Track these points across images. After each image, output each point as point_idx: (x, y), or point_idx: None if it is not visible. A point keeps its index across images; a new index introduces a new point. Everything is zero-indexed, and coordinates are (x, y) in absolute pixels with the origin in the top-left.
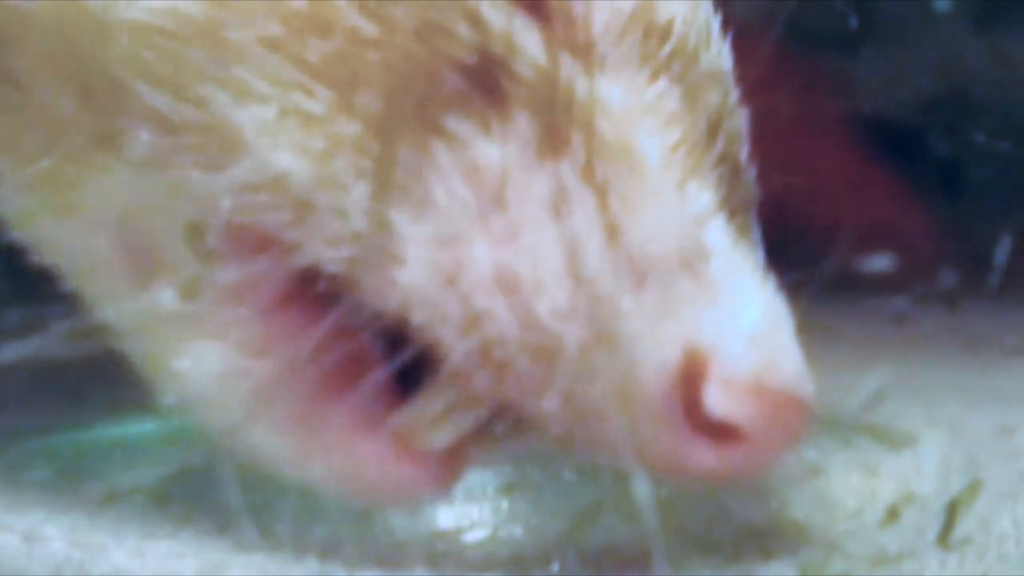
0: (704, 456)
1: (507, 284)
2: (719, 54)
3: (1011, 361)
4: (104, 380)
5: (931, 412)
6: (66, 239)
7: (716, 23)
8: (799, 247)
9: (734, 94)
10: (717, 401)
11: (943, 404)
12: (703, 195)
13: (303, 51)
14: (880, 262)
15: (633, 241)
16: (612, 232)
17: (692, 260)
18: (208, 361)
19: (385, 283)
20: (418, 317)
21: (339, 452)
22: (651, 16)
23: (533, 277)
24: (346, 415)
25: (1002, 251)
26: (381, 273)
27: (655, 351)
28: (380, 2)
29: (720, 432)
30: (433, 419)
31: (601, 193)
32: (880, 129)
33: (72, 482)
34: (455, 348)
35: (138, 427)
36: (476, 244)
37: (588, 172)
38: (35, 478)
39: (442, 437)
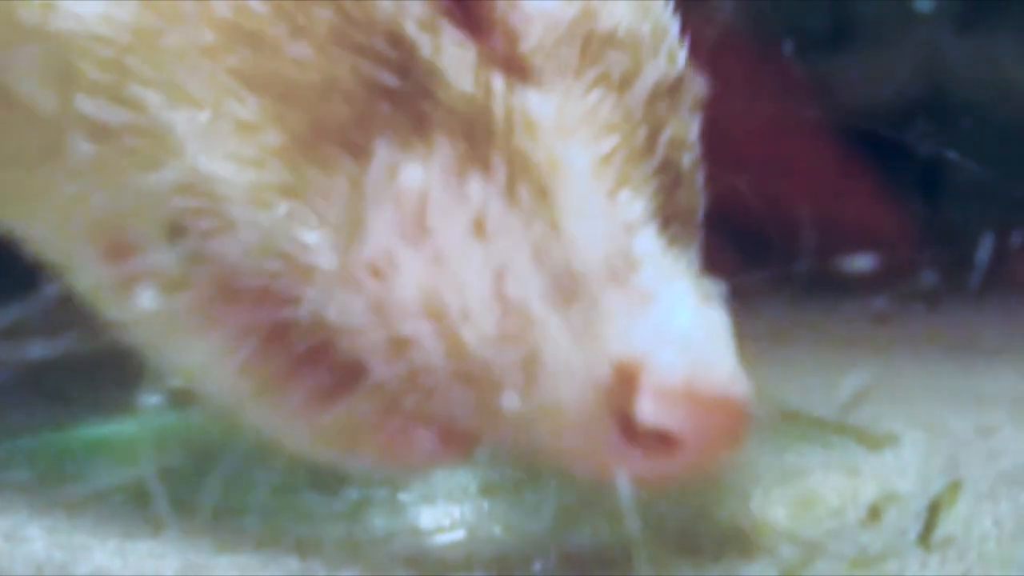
0: (639, 465)
1: (433, 311)
2: (670, 60)
3: (992, 361)
4: (85, 380)
5: (912, 412)
6: (48, 243)
7: (673, 28)
8: (780, 247)
9: (685, 100)
10: (648, 411)
11: (924, 404)
12: (635, 203)
13: (234, 59)
14: (861, 262)
15: (559, 259)
16: (538, 252)
17: (621, 270)
18: (193, 350)
19: (310, 305)
20: (344, 340)
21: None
22: (591, 25)
23: (459, 304)
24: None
25: (983, 252)
26: (305, 295)
27: (584, 367)
28: (304, 16)
29: (656, 440)
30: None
31: (526, 213)
32: (861, 129)
33: (53, 482)
34: (381, 372)
35: (119, 427)
36: (402, 270)
37: (512, 193)
38: (16, 478)
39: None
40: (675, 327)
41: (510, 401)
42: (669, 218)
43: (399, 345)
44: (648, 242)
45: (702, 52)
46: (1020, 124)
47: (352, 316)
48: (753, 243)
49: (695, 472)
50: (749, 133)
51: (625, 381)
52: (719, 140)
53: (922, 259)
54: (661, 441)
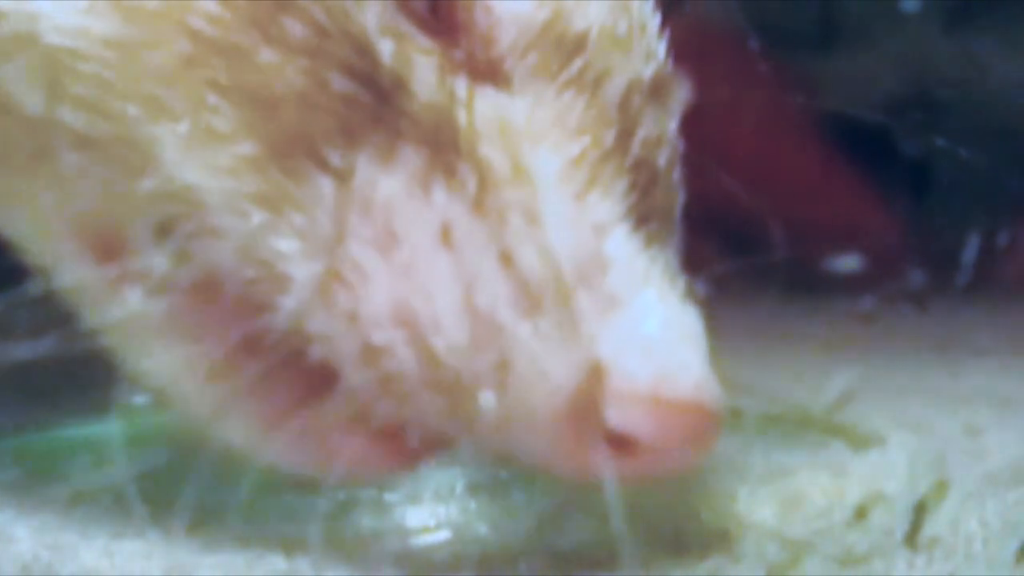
0: (607, 466)
1: (404, 320)
2: (647, 58)
3: (979, 361)
4: (72, 381)
5: (899, 412)
6: (35, 243)
7: (652, 25)
8: (767, 247)
9: (662, 97)
10: (615, 415)
11: (911, 404)
12: (605, 204)
13: (209, 71)
14: (848, 262)
15: (527, 265)
16: (506, 259)
17: (590, 273)
18: (166, 355)
19: (286, 312)
20: (317, 348)
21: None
22: (563, 27)
23: (429, 313)
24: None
25: (970, 251)
26: (283, 302)
27: (554, 372)
28: (275, 27)
29: (623, 443)
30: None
31: (493, 221)
32: (848, 129)
33: (40, 482)
34: (354, 379)
35: (106, 427)
36: (372, 280)
37: (479, 200)
38: (3, 478)
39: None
40: (643, 332)
41: (481, 406)
42: (645, 217)
43: (371, 353)
44: (619, 244)
45: (687, 50)
46: (1007, 124)
47: (325, 324)
48: (740, 243)
49: (661, 475)
50: (736, 132)
51: (593, 385)
52: (706, 139)
53: (909, 259)
54: (628, 444)
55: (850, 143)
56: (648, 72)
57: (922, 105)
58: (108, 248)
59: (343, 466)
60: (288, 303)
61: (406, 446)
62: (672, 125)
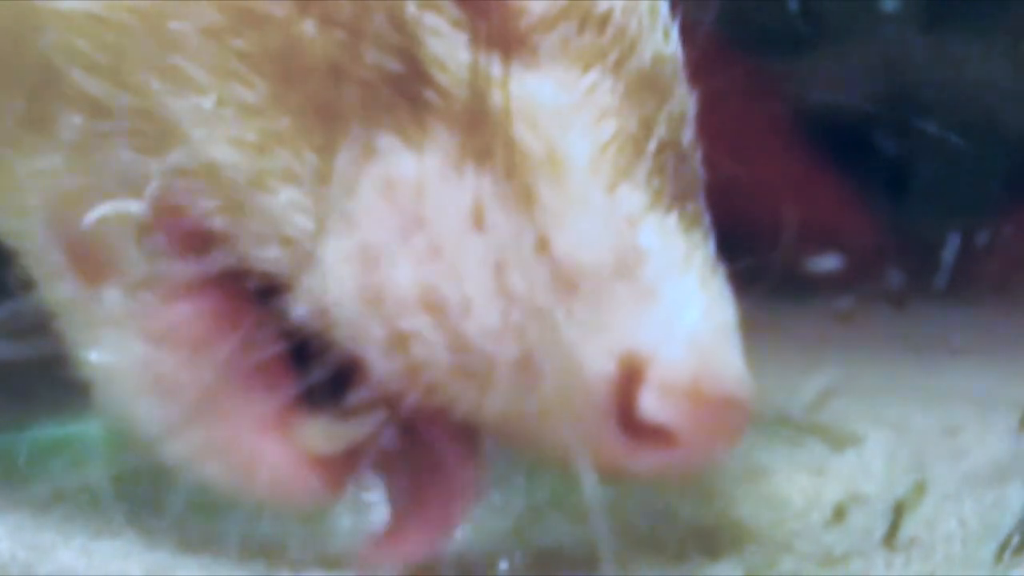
0: (640, 459)
1: (433, 305)
2: (664, 38)
3: (957, 361)
4: (50, 380)
5: (877, 412)
6: (9, 222)
7: (664, 6)
8: (745, 247)
9: (680, 77)
10: (652, 407)
11: (889, 404)
12: (636, 195)
13: (240, 41)
14: (826, 262)
15: (562, 251)
16: (540, 244)
17: (626, 264)
18: (111, 350)
19: (310, 296)
20: (342, 335)
21: (237, 450)
22: (588, 6)
23: (459, 297)
24: (250, 414)
25: (948, 251)
26: (307, 283)
27: (589, 362)
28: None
29: (657, 434)
30: (344, 429)
31: (526, 204)
32: (826, 128)
33: (18, 482)
34: (381, 367)
35: (84, 427)
36: (398, 263)
37: (511, 183)
38: None
39: (344, 444)
40: (683, 323)
41: (511, 394)
42: (677, 197)
43: (398, 339)
44: (653, 234)
45: None
46: (985, 124)
47: (349, 308)
48: (719, 242)
49: (691, 468)
50: (714, 133)
51: (631, 375)
52: None
53: (888, 258)
54: (661, 436)
55: (828, 143)
56: (668, 51)
57: (900, 105)
58: (88, 252)
59: (267, 485)
60: (312, 283)
61: (339, 471)
62: (691, 104)
